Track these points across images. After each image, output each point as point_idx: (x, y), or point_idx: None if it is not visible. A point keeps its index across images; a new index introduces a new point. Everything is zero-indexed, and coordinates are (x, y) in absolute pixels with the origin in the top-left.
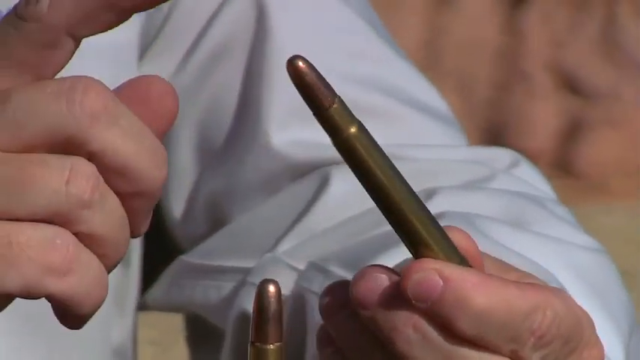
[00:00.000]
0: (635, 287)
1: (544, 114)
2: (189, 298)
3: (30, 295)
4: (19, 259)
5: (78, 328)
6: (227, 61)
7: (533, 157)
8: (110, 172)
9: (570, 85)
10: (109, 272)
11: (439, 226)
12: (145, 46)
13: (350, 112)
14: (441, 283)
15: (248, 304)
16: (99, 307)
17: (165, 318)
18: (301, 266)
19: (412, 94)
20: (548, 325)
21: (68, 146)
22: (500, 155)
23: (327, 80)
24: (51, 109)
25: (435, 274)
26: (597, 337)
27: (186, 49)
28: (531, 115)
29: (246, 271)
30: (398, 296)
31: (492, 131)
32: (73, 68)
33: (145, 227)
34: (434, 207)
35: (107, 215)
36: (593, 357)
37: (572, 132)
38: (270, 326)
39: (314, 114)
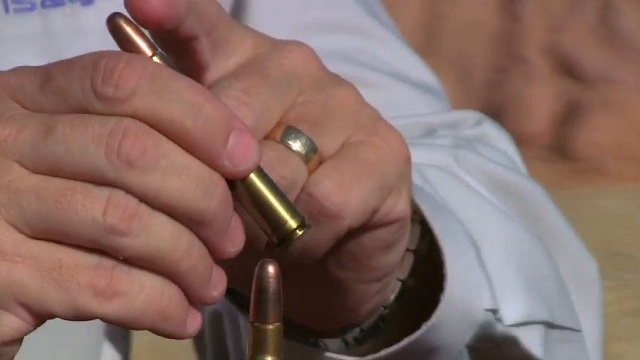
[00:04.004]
0: (631, 269)
1: (541, 97)
2: None
3: (76, 317)
4: (68, 283)
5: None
6: None
7: (530, 141)
8: (157, 209)
9: (567, 69)
10: (183, 285)
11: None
12: None
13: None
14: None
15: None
16: (162, 321)
17: None
18: None
19: (394, 65)
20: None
21: (109, 184)
22: (467, 117)
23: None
24: (89, 154)
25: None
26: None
27: None
28: (528, 98)
29: None
30: None
31: (489, 114)
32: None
33: (234, 246)
34: None
35: (152, 236)
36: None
37: (570, 115)
38: (269, 306)
39: None
